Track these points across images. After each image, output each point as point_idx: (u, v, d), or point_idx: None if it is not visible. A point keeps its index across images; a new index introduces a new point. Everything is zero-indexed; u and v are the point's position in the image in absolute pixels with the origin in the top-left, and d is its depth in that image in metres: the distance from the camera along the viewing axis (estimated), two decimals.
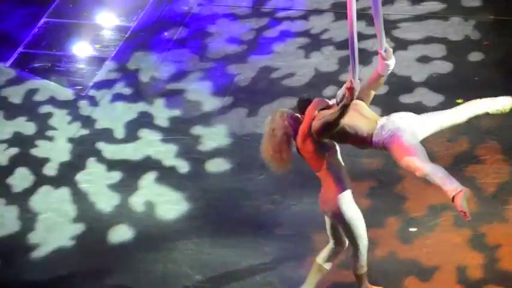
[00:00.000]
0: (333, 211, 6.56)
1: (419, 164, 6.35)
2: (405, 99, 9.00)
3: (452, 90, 9.08)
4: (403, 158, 6.42)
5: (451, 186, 6.22)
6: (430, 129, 6.65)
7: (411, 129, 6.53)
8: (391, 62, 6.63)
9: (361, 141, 6.52)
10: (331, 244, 6.97)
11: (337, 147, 6.68)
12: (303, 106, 6.63)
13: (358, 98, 6.57)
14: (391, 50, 6.62)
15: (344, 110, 6.29)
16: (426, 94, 9.12)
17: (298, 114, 6.64)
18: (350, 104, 6.28)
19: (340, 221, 6.60)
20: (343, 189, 6.55)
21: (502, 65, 9.33)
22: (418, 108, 8.62)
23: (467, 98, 8.73)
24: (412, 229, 7.73)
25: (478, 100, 6.84)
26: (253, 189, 8.37)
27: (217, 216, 8.17)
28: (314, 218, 7.92)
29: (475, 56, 9.46)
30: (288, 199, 8.22)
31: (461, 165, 8.23)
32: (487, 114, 6.84)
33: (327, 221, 6.83)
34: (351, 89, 6.24)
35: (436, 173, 6.28)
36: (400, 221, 7.80)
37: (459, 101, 8.90)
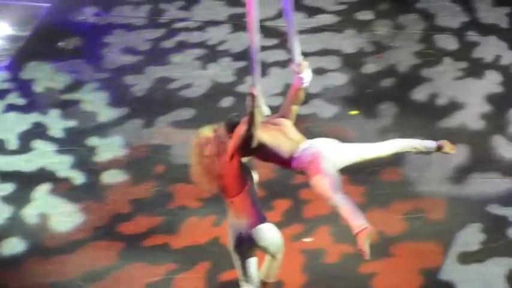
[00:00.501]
0: (250, 235, 6.53)
1: (331, 193, 6.40)
2: (301, 110, 9.06)
3: (346, 101, 9.24)
4: (317, 184, 6.49)
5: (357, 222, 6.29)
6: (351, 159, 6.72)
7: (332, 157, 6.60)
8: (306, 75, 6.66)
9: (282, 162, 6.56)
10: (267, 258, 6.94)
11: (254, 175, 6.72)
12: (232, 127, 6.60)
13: (282, 116, 6.68)
14: (306, 63, 6.66)
15: (251, 117, 6.30)
16: (321, 105, 9.23)
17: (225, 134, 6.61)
18: (255, 111, 6.28)
19: (258, 244, 6.60)
20: (261, 214, 6.57)
21: (393, 76, 9.53)
22: (313, 118, 8.78)
23: (361, 109, 9.05)
24: (306, 239, 7.84)
25: (406, 140, 6.95)
26: (149, 200, 8.35)
27: (112, 228, 8.11)
28: (208, 229, 8.03)
29: (368, 68, 9.62)
30: (184, 210, 8.22)
31: (356, 176, 8.28)
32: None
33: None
34: (251, 95, 6.28)
35: (344, 206, 6.32)
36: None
37: (353, 112, 9.11)
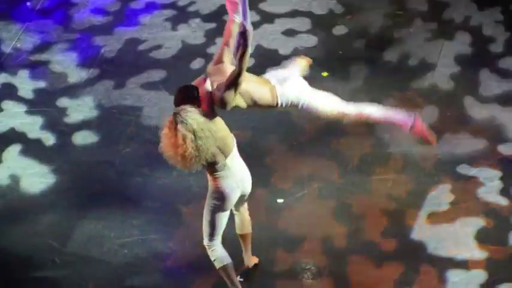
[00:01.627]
0: None
1: (346, 109, 6.75)
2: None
3: (317, 63, 9.17)
4: (328, 108, 6.71)
5: (402, 117, 6.73)
6: (310, 98, 6.77)
7: (304, 85, 6.73)
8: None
9: (267, 106, 6.58)
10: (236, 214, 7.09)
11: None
12: (192, 95, 6.37)
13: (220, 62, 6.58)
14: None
15: (243, 57, 6.17)
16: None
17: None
18: (247, 50, 6.15)
19: None
20: None
21: (364, 38, 9.53)
22: None
23: (332, 71, 9.06)
24: (279, 200, 7.88)
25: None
26: (121, 162, 8.38)
27: (84, 190, 8.17)
28: (182, 191, 8.07)
29: (338, 30, 9.59)
30: (156, 172, 8.25)
31: (327, 138, 8.40)
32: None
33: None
34: (244, 33, 6.15)
35: (373, 111, 6.74)
36: (268, 193, 7.93)
37: (324, 74, 9.12)
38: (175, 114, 6.11)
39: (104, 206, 8.01)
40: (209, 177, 6.61)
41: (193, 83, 6.50)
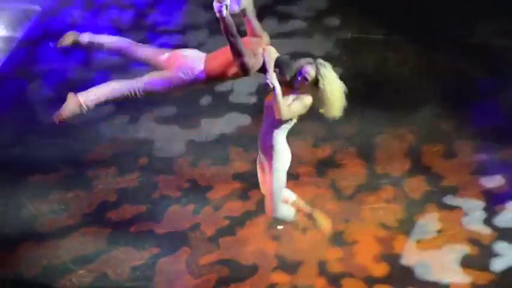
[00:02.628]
0: None
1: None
2: None
3: None
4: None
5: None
6: None
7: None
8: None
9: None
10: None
11: None
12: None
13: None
14: None
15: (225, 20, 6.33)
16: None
17: None
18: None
19: None
20: None
21: (359, 78, 9.52)
22: None
23: None
24: (279, 227, 7.86)
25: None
26: (134, 189, 8.36)
27: (100, 215, 8.13)
28: (188, 217, 8.06)
29: (335, 71, 9.63)
30: (165, 199, 8.23)
31: (323, 168, 8.41)
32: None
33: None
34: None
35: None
36: (269, 219, 7.93)
37: (321, 110, 9.17)
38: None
39: (118, 231, 7.98)
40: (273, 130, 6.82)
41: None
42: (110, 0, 10.72)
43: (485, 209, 7.96)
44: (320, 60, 6.89)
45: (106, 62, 9.90)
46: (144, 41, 10.04)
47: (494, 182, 8.23)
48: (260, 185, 7.24)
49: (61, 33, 10.03)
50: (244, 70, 6.58)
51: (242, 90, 9.38)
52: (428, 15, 10.24)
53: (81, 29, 10.24)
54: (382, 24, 10.22)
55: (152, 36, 10.19)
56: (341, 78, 9.52)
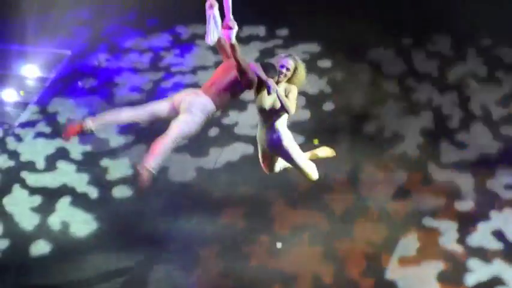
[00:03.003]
0: None
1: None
2: None
3: (310, 132, 9.22)
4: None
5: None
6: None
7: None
8: (235, 28, 6.47)
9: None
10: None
11: None
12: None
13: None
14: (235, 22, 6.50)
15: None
16: None
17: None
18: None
19: None
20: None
21: (348, 113, 9.53)
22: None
23: (322, 139, 9.10)
24: (278, 245, 7.87)
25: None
26: (150, 211, 8.32)
27: (120, 234, 8.10)
28: (200, 236, 8.03)
29: (327, 106, 9.66)
30: (178, 220, 8.21)
31: (317, 193, 8.40)
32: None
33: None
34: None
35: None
36: (270, 238, 7.94)
37: (315, 141, 9.17)
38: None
39: (136, 248, 7.96)
40: (277, 129, 6.72)
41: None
42: (131, 44, 10.68)
43: (458, 230, 7.96)
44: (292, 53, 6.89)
45: (126, 98, 9.88)
46: (160, 81, 10.15)
47: (466, 206, 8.24)
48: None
49: (88, 73, 10.22)
50: (250, 85, 6.56)
51: (246, 122, 9.39)
52: (409, 59, 10.27)
53: (106, 72, 10.36)
54: (368, 68, 10.21)
55: (167, 76, 10.16)
56: (331, 112, 9.68)
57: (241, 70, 6.46)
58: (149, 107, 6.82)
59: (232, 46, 6.38)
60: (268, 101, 6.57)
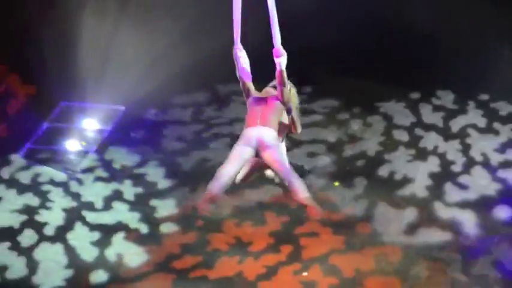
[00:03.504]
0: None
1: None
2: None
3: (331, 176, 9.22)
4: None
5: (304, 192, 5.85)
6: None
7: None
8: (283, 60, 5.96)
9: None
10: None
11: None
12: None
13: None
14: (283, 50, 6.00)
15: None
16: (313, 179, 9.08)
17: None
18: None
19: None
20: None
21: (364, 159, 9.45)
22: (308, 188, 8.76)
23: (341, 182, 9.06)
24: (304, 274, 7.87)
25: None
26: (193, 244, 8.34)
27: (168, 264, 8.14)
28: (234, 265, 8.00)
29: (346, 152, 9.61)
30: (216, 251, 8.20)
31: (338, 228, 8.42)
32: None
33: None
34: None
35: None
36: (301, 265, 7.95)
37: (335, 184, 9.19)
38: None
39: (180, 275, 7.97)
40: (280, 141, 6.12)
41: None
42: (175, 101, 10.55)
43: (462, 262, 7.92)
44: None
45: (174, 147, 9.82)
46: (202, 131, 9.99)
47: (469, 240, 8.20)
48: (240, 175, 6.29)
49: (139, 126, 10.16)
50: (289, 109, 6.11)
51: None
52: (417, 112, 10.15)
53: (155, 124, 10.16)
54: (382, 120, 10.12)
55: (208, 128, 10.11)
56: (349, 158, 9.49)
57: (284, 95, 6.04)
58: (239, 157, 6.09)
59: (281, 72, 5.96)
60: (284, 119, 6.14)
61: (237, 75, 6.15)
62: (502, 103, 10.03)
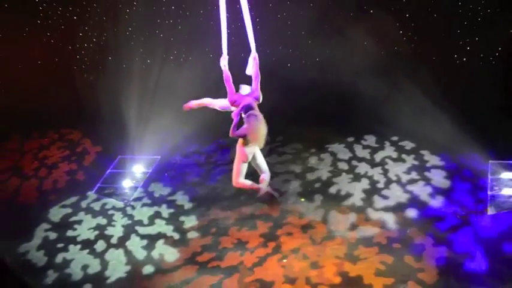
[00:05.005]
0: None
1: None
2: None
3: (298, 194, 8.85)
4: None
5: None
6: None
7: None
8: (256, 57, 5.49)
9: None
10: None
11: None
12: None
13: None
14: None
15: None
16: (287, 197, 8.81)
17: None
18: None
19: None
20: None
21: (319, 181, 9.06)
22: None
23: (306, 197, 8.74)
24: (284, 260, 7.70)
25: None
26: (210, 244, 8.06)
27: (194, 259, 7.88)
28: (237, 257, 7.80)
29: (307, 178, 9.20)
30: (225, 249, 7.99)
31: (304, 229, 8.18)
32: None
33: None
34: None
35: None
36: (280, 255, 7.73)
37: (302, 199, 8.86)
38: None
39: (201, 266, 7.75)
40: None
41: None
42: (193, 150, 10.27)
43: (388, 247, 7.65)
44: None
45: (193, 181, 9.50)
46: (212, 169, 9.64)
47: (390, 232, 7.93)
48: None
49: (170, 168, 9.85)
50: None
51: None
52: (352, 149, 9.82)
53: (180, 166, 9.85)
54: (330, 156, 9.69)
55: (215, 167, 9.78)
56: (310, 182, 8.94)
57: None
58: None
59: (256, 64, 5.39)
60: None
61: (223, 78, 5.66)
62: (407, 141, 9.88)
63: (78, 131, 10.75)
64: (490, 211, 8.08)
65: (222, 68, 5.72)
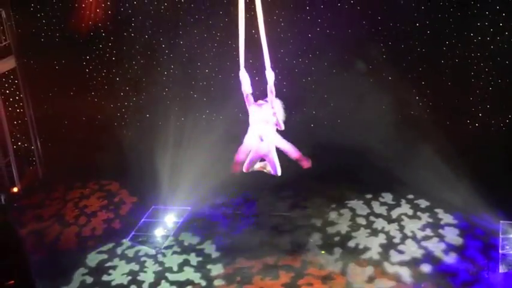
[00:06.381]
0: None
1: None
2: None
3: (320, 247, 9.08)
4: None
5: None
6: None
7: None
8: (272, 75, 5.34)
9: None
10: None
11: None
12: None
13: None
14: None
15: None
16: (310, 249, 8.99)
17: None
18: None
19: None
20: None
21: (339, 235, 9.23)
22: None
23: (326, 250, 8.95)
24: (322, 252, 8.39)
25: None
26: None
27: None
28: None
29: (328, 232, 9.39)
30: None
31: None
32: None
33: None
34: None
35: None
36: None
37: (322, 252, 8.95)
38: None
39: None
40: None
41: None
42: (219, 201, 10.35)
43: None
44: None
45: (220, 231, 9.67)
46: (236, 221, 9.89)
47: (406, 285, 8.20)
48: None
49: (199, 218, 10.05)
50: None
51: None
52: (370, 206, 10.08)
53: (213, 216, 10.07)
54: (349, 211, 9.89)
55: (240, 218, 9.95)
56: (330, 236, 9.31)
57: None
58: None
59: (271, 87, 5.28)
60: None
61: (242, 89, 5.56)
62: (422, 200, 10.10)
63: (116, 182, 11.04)
64: (502, 269, 8.30)
65: (243, 80, 5.60)
